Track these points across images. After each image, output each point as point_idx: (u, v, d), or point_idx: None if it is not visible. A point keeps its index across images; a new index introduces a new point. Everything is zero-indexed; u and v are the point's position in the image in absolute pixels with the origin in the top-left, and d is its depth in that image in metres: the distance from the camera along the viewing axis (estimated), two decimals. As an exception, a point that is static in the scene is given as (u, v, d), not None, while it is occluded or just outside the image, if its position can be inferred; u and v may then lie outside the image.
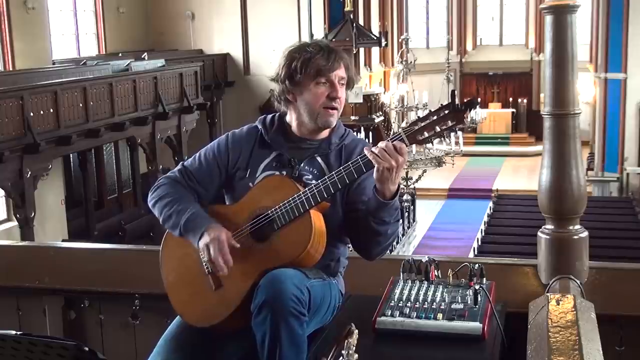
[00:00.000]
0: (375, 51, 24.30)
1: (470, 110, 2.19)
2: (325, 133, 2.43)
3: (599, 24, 20.73)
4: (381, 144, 2.17)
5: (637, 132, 19.33)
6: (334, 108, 2.36)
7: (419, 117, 2.26)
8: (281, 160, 2.41)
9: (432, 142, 2.27)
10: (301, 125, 2.41)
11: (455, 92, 2.33)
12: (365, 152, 2.20)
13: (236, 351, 2.35)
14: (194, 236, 2.28)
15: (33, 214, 12.34)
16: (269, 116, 2.50)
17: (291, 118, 2.43)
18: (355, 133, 2.71)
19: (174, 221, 2.33)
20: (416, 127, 2.19)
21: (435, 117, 2.17)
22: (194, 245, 2.30)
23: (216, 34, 21.33)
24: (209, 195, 2.46)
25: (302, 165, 2.39)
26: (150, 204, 2.43)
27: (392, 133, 2.24)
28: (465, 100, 2.19)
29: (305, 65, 2.32)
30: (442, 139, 2.24)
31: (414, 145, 2.41)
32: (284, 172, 2.39)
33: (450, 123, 2.16)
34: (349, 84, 2.41)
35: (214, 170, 2.44)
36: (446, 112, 2.16)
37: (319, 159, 2.41)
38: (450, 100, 2.17)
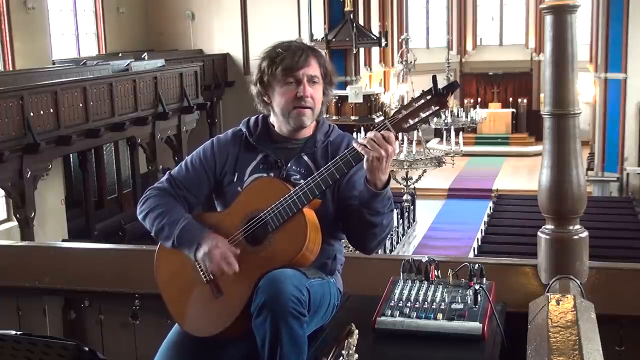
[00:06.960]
0: (375, 51, 24.29)
1: (451, 94, 2.20)
2: (309, 131, 2.42)
3: (599, 24, 20.72)
4: (369, 134, 2.17)
5: (637, 132, 19.32)
6: (304, 107, 2.33)
7: (402, 105, 2.27)
8: (268, 162, 2.39)
9: (418, 129, 2.27)
10: (282, 126, 2.40)
11: (437, 77, 2.32)
12: (354, 145, 2.19)
13: (237, 353, 2.35)
14: (189, 248, 2.28)
15: (33, 214, 12.34)
16: (253, 118, 2.48)
17: (274, 119, 2.43)
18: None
19: (166, 233, 2.31)
20: (400, 116, 2.19)
21: (418, 104, 2.18)
22: (190, 257, 2.29)
23: (216, 34, 21.34)
24: (199, 202, 2.44)
25: (289, 165, 2.38)
26: (140, 217, 2.39)
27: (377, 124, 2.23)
28: (445, 84, 2.19)
29: (272, 66, 2.32)
30: (428, 124, 2.24)
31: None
32: (272, 174, 2.37)
33: (434, 108, 2.17)
34: (327, 81, 2.37)
35: (202, 176, 2.42)
36: (429, 97, 2.17)
37: (305, 157, 2.39)
38: (432, 86, 2.17)
